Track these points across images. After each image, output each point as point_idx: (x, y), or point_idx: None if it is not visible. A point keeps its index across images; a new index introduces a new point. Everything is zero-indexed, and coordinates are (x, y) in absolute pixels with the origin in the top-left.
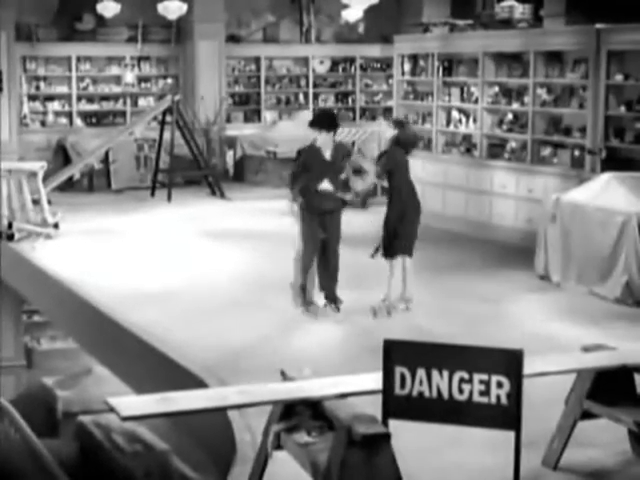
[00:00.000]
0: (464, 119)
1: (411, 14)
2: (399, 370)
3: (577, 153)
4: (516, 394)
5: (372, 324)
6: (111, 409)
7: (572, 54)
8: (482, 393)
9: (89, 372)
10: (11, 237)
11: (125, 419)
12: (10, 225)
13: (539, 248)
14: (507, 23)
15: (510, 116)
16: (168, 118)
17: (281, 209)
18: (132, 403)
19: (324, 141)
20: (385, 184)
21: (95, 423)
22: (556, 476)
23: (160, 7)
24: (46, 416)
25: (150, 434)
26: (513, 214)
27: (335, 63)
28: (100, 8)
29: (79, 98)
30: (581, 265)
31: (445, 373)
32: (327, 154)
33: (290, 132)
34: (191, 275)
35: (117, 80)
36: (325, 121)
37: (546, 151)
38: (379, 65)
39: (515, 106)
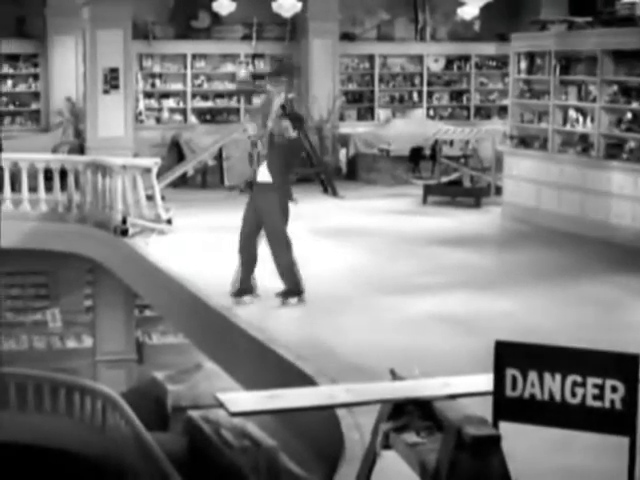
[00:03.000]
0: (581, 118)
1: (528, 11)
2: (510, 372)
3: None
4: (631, 399)
5: (480, 325)
6: (220, 404)
7: None
8: (596, 397)
9: (199, 367)
10: (125, 232)
11: (234, 415)
12: (124, 220)
13: None
14: (628, 20)
15: (629, 115)
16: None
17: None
18: (241, 399)
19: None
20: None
21: (204, 418)
22: None
23: (275, 5)
24: (156, 410)
25: (258, 430)
26: (631, 215)
27: (450, 61)
28: (216, 6)
29: (193, 95)
30: None
31: (558, 376)
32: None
33: (403, 130)
34: (303, 273)
35: (231, 77)
36: None
37: None
38: (494, 63)
39: (634, 105)
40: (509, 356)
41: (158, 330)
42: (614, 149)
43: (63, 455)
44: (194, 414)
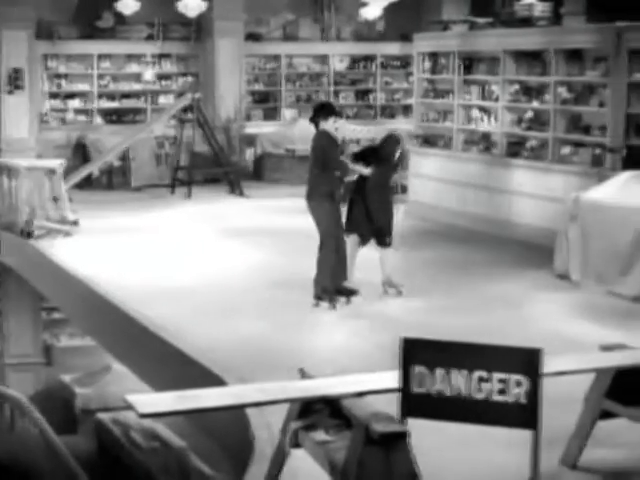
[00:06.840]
0: (484, 117)
1: (431, 12)
2: (417, 368)
3: (597, 151)
4: (535, 393)
5: (387, 323)
6: (129, 406)
7: (592, 52)
8: (501, 392)
9: (108, 369)
10: (30, 234)
11: (143, 416)
12: (30, 222)
13: (558, 247)
14: (527, 21)
15: (530, 114)
16: (188, 115)
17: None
18: (150, 400)
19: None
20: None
21: (113, 420)
22: (575, 475)
23: (180, 5)
24: (64, 413)
25: (168, 431)
26: (532, 213)
27: (355, 61)
28: (119, 6)
29: (99, 96)
30: (600, 264)
31: (464, 372)
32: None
33: (309, 130)
34: (210, 272)
35: (137, 78)
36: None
37: (566, 149)
38: (399, 63)
39: (535, 104)
40: (416, 353)
41: (66, 332)
42: (516, 147)
43: None
44: (103, 416)
